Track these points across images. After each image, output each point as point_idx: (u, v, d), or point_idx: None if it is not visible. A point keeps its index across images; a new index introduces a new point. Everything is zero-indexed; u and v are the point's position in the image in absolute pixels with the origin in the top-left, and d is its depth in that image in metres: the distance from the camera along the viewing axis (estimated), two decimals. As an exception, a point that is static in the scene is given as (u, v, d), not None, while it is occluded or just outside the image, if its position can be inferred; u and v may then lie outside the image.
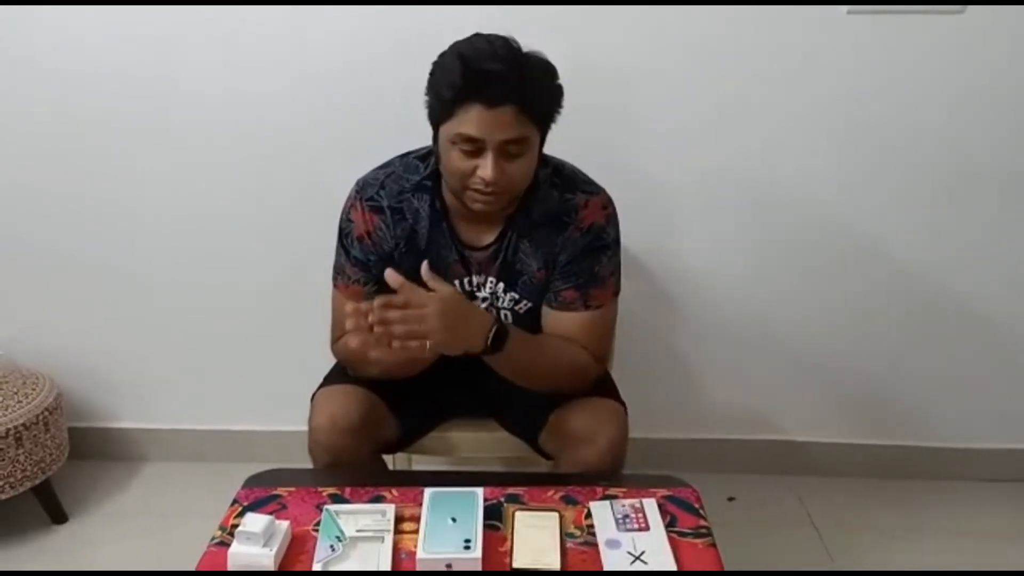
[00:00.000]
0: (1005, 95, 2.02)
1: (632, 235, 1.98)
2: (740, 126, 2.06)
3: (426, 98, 1.44)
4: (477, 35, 1.42)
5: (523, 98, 1.37)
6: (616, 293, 1.60)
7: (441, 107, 1.40)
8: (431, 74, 1.43)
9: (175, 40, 2.01)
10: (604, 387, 1.64)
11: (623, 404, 1.62)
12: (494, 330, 1.42)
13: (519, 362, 1.48)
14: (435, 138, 1.47)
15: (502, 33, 1.41)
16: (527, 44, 1.42)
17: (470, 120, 1.37)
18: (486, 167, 1.38)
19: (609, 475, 1.49)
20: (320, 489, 1.43)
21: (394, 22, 1.96)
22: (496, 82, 1.35)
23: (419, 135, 1.52)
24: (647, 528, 1.32)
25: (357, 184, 1.58)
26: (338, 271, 1.61)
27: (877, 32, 1.96)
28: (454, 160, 1.41)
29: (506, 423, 1.73)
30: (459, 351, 1.41)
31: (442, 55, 1.42)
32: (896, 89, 2.02)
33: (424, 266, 1.42)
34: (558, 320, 1.56)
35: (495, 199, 1.43)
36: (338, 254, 1.60)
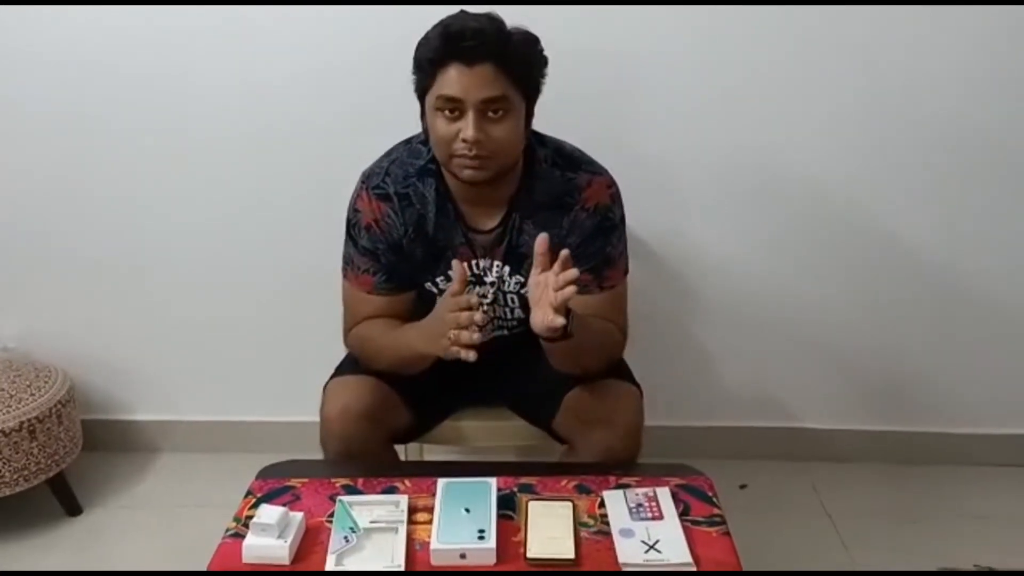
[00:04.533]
0: (1019, 78, 2.00)
1: (645, 221, 1.98)
2: (752, 110, 2.04)
3: (413, 76, 1.46)
4: (461, 10, 1.44)
5: (502, 56, 1.38)
6: (626, 272, 1.60)
7: (423, 74, 1.43)
8: (416, 48, 1.44)
9: (184, 38, 2.01)
10: (618, 370, 1.63)
11: (638, 387, 1.62)
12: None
13: (577, 344, 1.43)
14: (423, 114, 1.48)
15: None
16: (533, 30, 1.43)
17: (449, 80, 1.39)
18: (467, 127, 1.39)
19: (627, 460, 1.50)
20: (333, 480, 1.43)
21: (402, 18, 1.92)
22: (473, 39, 1.37)
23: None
24: (661, 517, 1.32)
25: (363, 175, 1.59)
26: (347, 262, 1.60)
27: (891, 15, 1.94)
28: (438, 127, 1.42)
29: (519, 408, 1.73)
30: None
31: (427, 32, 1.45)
32: (911, 72, 2.00)
33: (455, 263, 1.41)
34: (575, 303, 1.55)
35: (481, 164, 1.42)
36: (347, 245, 1.60)
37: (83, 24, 2.01)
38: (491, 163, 1.43)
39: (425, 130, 1.49)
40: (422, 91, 1.45)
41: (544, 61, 1.47)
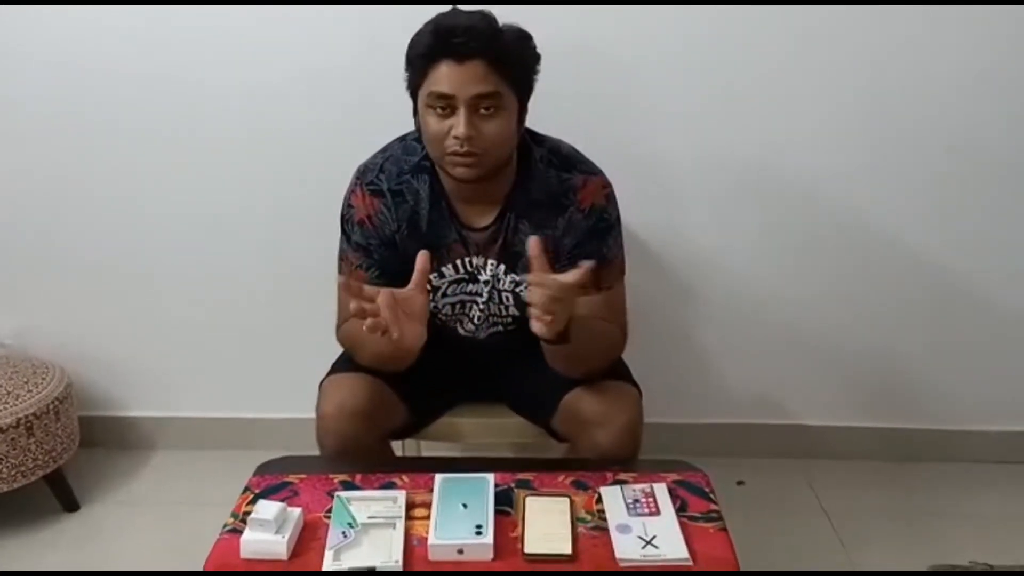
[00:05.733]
0: (1017, 79, 2.00)
1: (641, 219, 1.99)
2: (751, 110, 2.05)
3: (405, 74, 1.46)
4: (453, 7, 1.45)
5: (493, 52, 1.38)
6: (623, 272, 1.60)
7: (415, 71, 1.43)
8: (408, 47, 1.45)
9: (184, 38, 2.02)
10: (617, 370, 1.63)
11: (637, 386, 1.62)
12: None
13: (576, 348, 1.44)
14: (415, 111, 1.48)
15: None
16: (531, 30, 1.44)
17: (441, 76, 1.39)
18: (459, 124, 1.39)
19: (626, 459, 1.50)
20: (331, 476, 1.43)
21: (402, 19, 1.92)
22: (464, 35, 1.37)
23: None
24: (658, 513, 1.32)
25: (358, 170, 1.59)
26: (341, 257, 1.61)
27: (891, 15, 1.94)
28: (430, 124, 1.42)
29: (518, 407, 1.73)
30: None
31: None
32: (911, 72, 2.01)
33: (421, 253, 1.39)
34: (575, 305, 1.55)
35: (473, 161, 1.42)
36: (341, 241, 1.60)
37: (83, 24, 2.01)
38: (483, 160, 1.43)
39: (418, 128, 1.50)
40: (414, 88, 1.46)
41: (536, 58, 1.47)
